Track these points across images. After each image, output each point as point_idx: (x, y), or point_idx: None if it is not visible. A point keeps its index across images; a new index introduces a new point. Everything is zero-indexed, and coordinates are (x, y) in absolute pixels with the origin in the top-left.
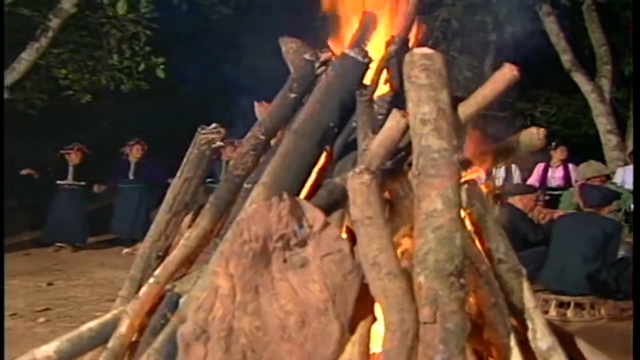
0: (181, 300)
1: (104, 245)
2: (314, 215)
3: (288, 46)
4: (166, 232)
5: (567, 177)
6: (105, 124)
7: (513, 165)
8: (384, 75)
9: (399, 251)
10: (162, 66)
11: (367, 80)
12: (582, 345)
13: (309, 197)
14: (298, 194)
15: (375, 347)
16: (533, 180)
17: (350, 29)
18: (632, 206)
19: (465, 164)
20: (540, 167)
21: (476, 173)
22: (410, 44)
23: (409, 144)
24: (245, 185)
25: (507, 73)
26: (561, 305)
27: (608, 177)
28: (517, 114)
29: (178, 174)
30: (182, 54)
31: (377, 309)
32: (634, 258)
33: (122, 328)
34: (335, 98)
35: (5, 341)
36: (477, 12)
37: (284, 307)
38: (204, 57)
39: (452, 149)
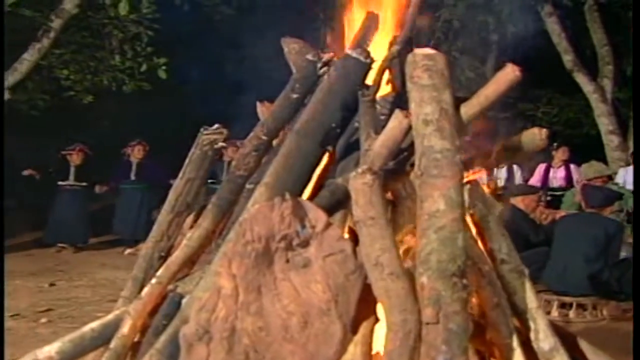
0: (183, 301)
1: (105, 245)
2: (316, 215)
3: (290, 47)
4: (168, 233)
5: (568, 177)
6: (106, 124)
7: (514, 166)
8: (387, 75)
9: (401, 249)
10: (164, 67)
11: (370, 80)
12: (584, 346)
13: (311, 198)
14: (300, 194)
15: (378, 347)
16: (534, 180)
17: (352, 29)
18: None
19: (468, 165)
20: (541, 167)
21: (478, 174)
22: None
23: (412, 144)
24: (248, 186)
25: (510, 73)
26: (563, 306)
27: (610, 178)
28: (518, 115)
29: (180, 174)
30: (184, 55)
31: (380, 310)
32: (634, 258)
33: (125, 328)
34: (337, 98)
35: (8, 342)
36: (479, 12)
37: (287, 307)
38: (206, 58)
39: (454, 150)
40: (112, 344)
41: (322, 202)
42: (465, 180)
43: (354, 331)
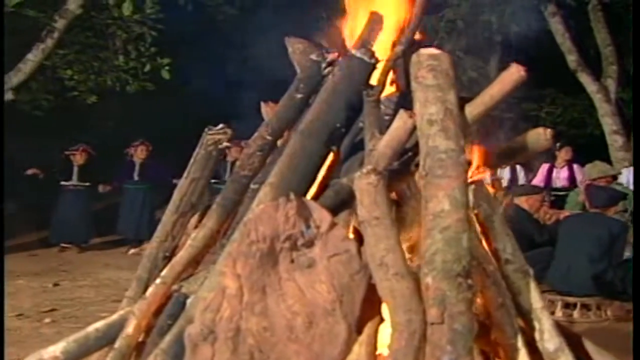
0: (188, 301)
1: (108, 245)
2: (321, 215)
3: (294, 47)
4: (173, 233)
5: (571, 177)
6: (110, 124)
7: (518, 166)
8: (391, 75)
9: (406, 245)
10: (167, 67)
11: (374, 80)
12: (589, 346)
13: (316, 198)
14: (305, 194)
15: (383, 347)
16: (538, 180)
17: (356, 29)
18: None
19: (472, 165)
20: (544, 167)
21: (483, 174)
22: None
23: (416, 144)
24: (252, 186)
25: (515, 73)
26: (567, 306)
27: (614, 178)
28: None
29: (185, 174)
30: (187, 55)
31: (385, 310)
32: (634, 258)
33: (129, 328)
34: (342, 98)
35: (12, 341)
36: (483, 12)
37: (291, 307)
38: (209, 58)
39: (459, 150)
40: (117, 344)
41: (327, 202)
42: (469, 180)
43: (359, 331)
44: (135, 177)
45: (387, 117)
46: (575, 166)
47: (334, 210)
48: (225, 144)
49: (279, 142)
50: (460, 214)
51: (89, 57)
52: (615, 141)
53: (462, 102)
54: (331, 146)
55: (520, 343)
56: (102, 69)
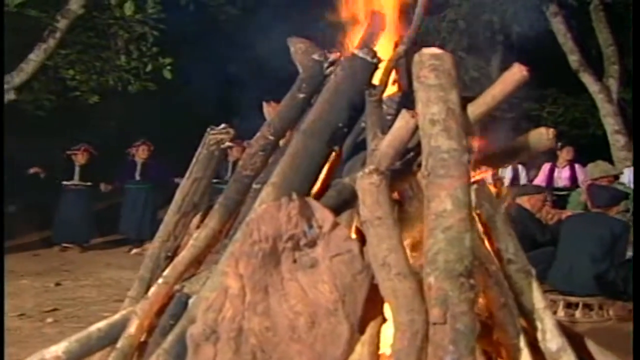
0: (190, 301)
1: (110, 245)
2: (323, 215)
3: (296, 46)
4: (175, 233)
5: (573, 177)
6: (112, 124)
7: (519, 166)
8: (393, 75)
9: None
10: (169, 67)
11: (376, 80)
12: (591, 346)
13: (318, 198)
14: (307, 194)
15: (385, 347)
16: (539, 180)
17: (358, 29)
18: None
19: (474, 165)
20: (546, 167)
21: (485, 173)
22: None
23: (418, 144)
24: (254, 186)
25: (517, 73)
26: (569, 306)
27: (616, 178)
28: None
29: (187, 174)
30: (189, 55)
31: (387, 310)
32: (634, 258)
33: (131, 328)
34: (344, 98)
35: (14, 341)
36: (484, 12)
37: (294, 307)
38: (211, 58)
39: (461, 149)
40: (119, 344)
41: (329, 202)
42: (472, 180)
43: (362, 331)
44: (137, 177)
45: (389, 117)
46: (577, 166)
47: (337, 210)
48: (227, 143)
49: (281, 142)
50: (463, 214)
51: (91, 57)
52: (617, 141)
53: (465, 101)
54: (333, 146)
55: (522, 343)
56: (104, 69)
